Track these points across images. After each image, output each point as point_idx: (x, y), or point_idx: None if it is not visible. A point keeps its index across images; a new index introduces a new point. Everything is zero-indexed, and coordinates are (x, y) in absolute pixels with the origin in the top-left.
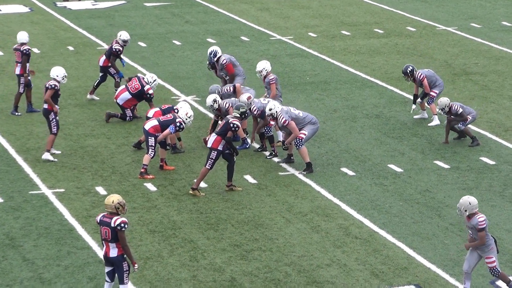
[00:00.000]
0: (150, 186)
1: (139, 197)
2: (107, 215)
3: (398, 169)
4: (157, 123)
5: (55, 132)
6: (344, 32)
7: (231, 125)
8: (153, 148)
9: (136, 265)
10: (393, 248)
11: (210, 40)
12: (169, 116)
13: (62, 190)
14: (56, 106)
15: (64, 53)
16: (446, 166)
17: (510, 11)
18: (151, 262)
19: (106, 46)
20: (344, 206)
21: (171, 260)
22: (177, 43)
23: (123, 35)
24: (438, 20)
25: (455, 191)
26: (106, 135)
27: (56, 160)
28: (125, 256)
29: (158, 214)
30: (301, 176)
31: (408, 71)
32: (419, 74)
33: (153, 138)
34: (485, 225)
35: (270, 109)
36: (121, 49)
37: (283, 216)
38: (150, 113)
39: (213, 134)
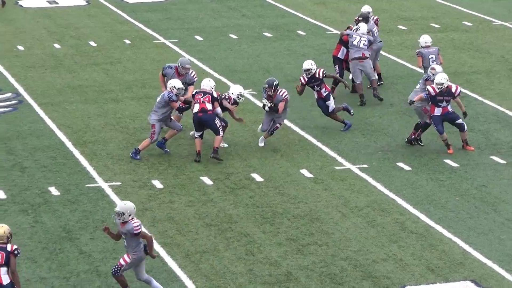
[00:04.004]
0: (206, 180)
1: (195, 190)
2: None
3: (454, 164)
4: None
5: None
6: (400, 26)
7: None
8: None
9: None
10: (449, 243)
11: (266, 34)
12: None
13: (119, 183)
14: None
15: (120, 46)
16: (502, 162)
17: None
18: (207, 256)
19: (162, 39)
20: (400, 200)
21: (227, 254)
22: (234, 36)
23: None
24: (495, 15)
25: (511, 186)
26: (162, 129)
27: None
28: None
29: (214, 208)
30: (357, 171)
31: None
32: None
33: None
34: None
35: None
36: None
37: (339, 210)
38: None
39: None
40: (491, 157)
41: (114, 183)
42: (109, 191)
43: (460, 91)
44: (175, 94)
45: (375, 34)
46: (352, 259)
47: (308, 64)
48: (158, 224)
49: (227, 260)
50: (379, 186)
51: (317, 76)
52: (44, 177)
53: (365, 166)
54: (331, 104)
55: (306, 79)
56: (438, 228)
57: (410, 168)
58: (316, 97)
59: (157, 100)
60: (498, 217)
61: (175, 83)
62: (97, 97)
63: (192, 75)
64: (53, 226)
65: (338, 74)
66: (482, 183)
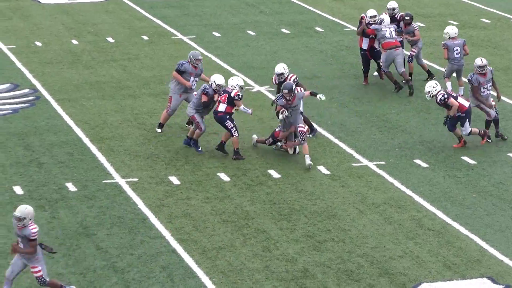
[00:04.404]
0: (223, 176)
1: (212, 187)
2: None
3: (472, 161)
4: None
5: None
6: (418, 23)
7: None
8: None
9: None
10: (466, 240)
11: (284, 30)
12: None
13: (136, 179)
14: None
15: (138, 43)
16: None
17: None
18: (224, 252)
19: (180, 36)
20: (417, 197)
21: (244, 250)
22: (251, 33)
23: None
24: None
25: None
26: (179, 125)
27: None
28: None
29: (231, 204)
30: (374, 167)
31: None
32: None
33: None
34: None
35: None
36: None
37: (356, 207)
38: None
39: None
40: (509, 154)
41: (131, 179)
42: (126, 187)
43: (441, 99)
44: (213, 89)
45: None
46: (369, 256)
47: (281, 68)
48: (175, 221)
49: (243, 257)
50: (396, 183)
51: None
52: (61, 173)
53: (382, 163)
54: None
55: (277, 82)
56: (455, 225)
57: (427, 165)
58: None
59: (195, 94)
60: None
61: (217, 79)
62: (114, 93)
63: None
64: (70, 222)
65: (363, 67)
66: (499, 180)
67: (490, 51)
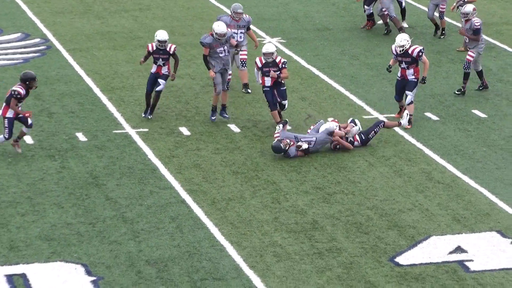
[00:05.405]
0: (234, 128)
1: (223, 138)
2: None
3: (482, 115)
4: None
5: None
6: None
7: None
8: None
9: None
10: (475, 194)
11: None
12: None
13: (146, 130)
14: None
15: None
16: None
17: None
18: (233, 203)
19: None
20: (427, 150)
21: (253, 202)
22: None
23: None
24: None
25: None
26: (190, 76)
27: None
28: None
29: (241, 156)
30: (384, 120)
31: None
32: None
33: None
34: None
35: None
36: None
37: (366, 159)
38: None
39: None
40: None
41: (141, 130)
42: (136, 138)
43: (419, 52)
44: (212, 38)
45: None
46: (378, 208)
47: (271, 47)
48: (185, 171)
49: (253, 208)
50: (406, 136)
51: (276, 61)
52: (71, 122)
53: (393, 115)
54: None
55: (263, 62)
56: (465, 178)
57: (438, 118)
58: (269, 83)
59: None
60: None
61: (216, 27)
62: (125, 43)
63: (247, 18)
64: (79, 172)
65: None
66: (510, 134)
67: (502, 5)
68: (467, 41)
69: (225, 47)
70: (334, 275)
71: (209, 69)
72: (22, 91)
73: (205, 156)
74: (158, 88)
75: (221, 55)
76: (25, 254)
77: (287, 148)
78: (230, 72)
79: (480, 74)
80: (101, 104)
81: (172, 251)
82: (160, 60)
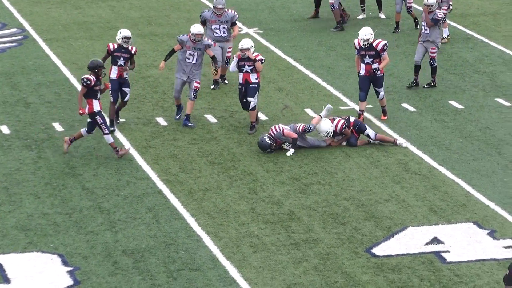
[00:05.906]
0: (211, 118)
1: (199, 128)
2: None
3: (459, 106)
4: None
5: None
6: None
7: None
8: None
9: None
10: (452, 185)
11: None
12: None
13: (123, 120)
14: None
15: None
16: (507, 104)
17: None
18: (210, 194)
19: None
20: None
21: (230, 192)
22: None
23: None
24: None
25: None
26: (167, 66)
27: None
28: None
29: (218, 146)
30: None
31: None
32: None
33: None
34: None
35: None
36: None
37: (343, 150)
38: None
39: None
40: (496, 99)
41: (118, 120)
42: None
43: (384, 46)
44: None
45: None
46: (355, 199)
47: (247, 43)
48: (161, 162)
49: (229, 199)
50: (383, 127)
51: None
52: (48, 112)
53: (370, 106)
54: (254, 100)
55: (240, 57)
56: (442, 169)
57: (414, 109)
58: (241, 80)
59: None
60: (501, 159)
61: (193, 28)
62: (102, 33)
63: (231, 13)
64: (56, 162)
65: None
66: (486, 125)
67: None
68: (427, 32)
69: (196, 54)
70: (311, 266)
71: (165, 60)
72: (92, 77)
73: (181, 146)
74: (126, 98)
75: (187, 60)
76: (1, 244)
77: (272, 148)
78: (198, 80)
79: (417, 69)
80: (78, 94)
81: (149, 242)
82: (122, 59)
